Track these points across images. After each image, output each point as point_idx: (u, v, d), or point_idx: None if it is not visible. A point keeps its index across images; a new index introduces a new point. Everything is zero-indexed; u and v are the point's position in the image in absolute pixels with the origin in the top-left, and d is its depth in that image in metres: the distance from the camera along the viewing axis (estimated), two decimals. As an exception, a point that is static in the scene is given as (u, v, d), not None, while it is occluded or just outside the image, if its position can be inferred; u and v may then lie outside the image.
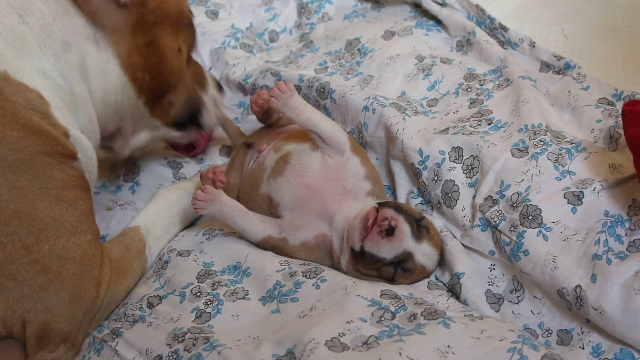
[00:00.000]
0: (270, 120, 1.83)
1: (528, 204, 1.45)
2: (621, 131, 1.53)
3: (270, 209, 1.62)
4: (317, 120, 1.59)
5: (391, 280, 1.45)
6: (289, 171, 1.60)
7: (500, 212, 1.49)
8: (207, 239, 1.62)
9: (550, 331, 1.38)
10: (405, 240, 1.43)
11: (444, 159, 1.62)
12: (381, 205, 1.47)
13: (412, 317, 1.26)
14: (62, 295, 1.38)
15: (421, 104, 1.88)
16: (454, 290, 1.51)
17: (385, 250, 1.42)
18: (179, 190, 1.79)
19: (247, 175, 1.72)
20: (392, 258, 1.43)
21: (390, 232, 1.40)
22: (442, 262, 1.56)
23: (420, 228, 1.47)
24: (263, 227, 1.58)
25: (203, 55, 2.33)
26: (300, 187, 1.57)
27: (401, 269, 1.45)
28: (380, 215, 1.43)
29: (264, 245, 1.59)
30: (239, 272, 1.51)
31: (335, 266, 1.54)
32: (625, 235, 1.35)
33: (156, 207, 1.72)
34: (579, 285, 1.30)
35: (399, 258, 1.43)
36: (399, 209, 1.46)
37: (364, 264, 1.45)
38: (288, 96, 1.57)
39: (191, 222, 1.80)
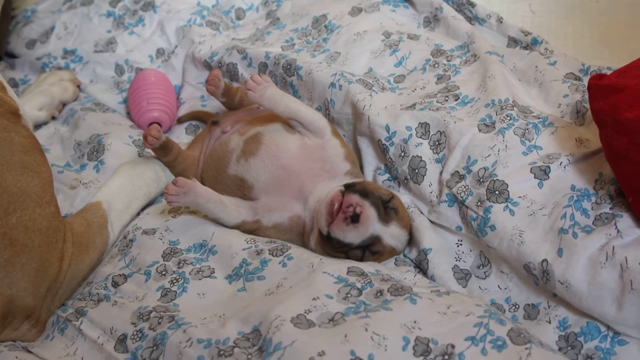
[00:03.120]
0: (233, 103, 1.83)
1: (495, 179, 1.45)
2: (588, 106, 1.53)
3: (243, 191, 1.61)
4: (296, 108, 1.60)
5: (360, 261, 1.45)
6: (263, 152, 1.59)
7: (467, 187, 1.48)
8: (172, 217, 1.61)
9: (517, 306, 1.39)
10: (371, 225, 1.42)
11: (411, 134, 1.61)
12: (347, 188, 1.46)
13: (378, 294, 1.26)
14: (27, 269, 1.37)
15: (388, 80, 1.87)
16: (421, 267, 1.51)
17: (351, 236, 1.42)
18: (141, 164, 1.76)
19: (209, 154, 1.71)
20: (359, 243, 1.43)
21: (355, 218, 1.40)
22: (410, 238, 1.55)
23: (388, 210, 1.47)
24: (238, 213, 1.56)
25: (169, 33, 2.30)
26: (277, 168, 1.56)
27: (369, 252, 1.45)
28: (345, 202, 1.42)
29: (236, 229, 1.57)
30: (205, 250, 1.50)
31: (305, 246, 1.54)
32: (592, 209, 1.36)
33: (118, 181, 1.70)
34: (546, 260, 1.31)
35: (366, 242, 1.43)
36: (364, 192, 1.45)
37: (332, 248, 1.45)
38: (264, 87, 1.57)
39: (155, 198, 1.78)
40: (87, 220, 1.57)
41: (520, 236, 1.36)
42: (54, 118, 2.10)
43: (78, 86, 2.19)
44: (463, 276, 1.47)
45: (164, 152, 1.71)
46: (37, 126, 2.06)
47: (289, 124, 1.63)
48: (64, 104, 2.13)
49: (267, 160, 1.58)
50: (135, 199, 1.69)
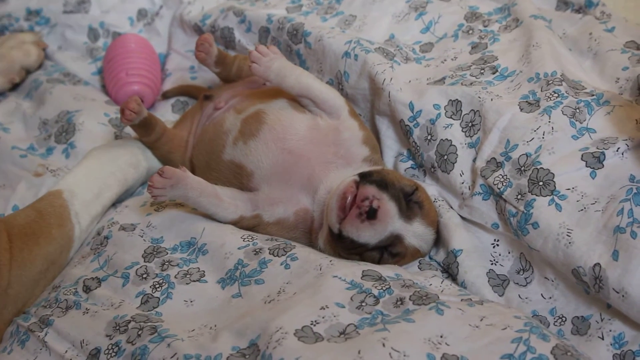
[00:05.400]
0: (229, 73, 1.83)
1: (538, 167, 1.45)
2: (652, 81, 1.53)
3: (241, 179, 1.61)
4: (308, 83, 1.60)
5: (377, 264, 1.44)
6: (265, 133, 1.59)
7: (505, 177, 1.49)
8: (155, 211, 1.62)
9: (563, 318, 1.39)
10: (391, 222, 1.42)
11: (439, 114, 1.62)
12: (362, 178, 1.46)
13: (398, 302, 1.26)
14: None
15: (413, 49, 1.88)
16: (450, 271, 1.51)
17: (367, 235, 1.41)
18: (114, 147, 1.77)
19: (200, 135, 1.72)
20: (377, 243, 1.43)
21: (371, 214, 1.39)
22: (437, 238, 1.56)
23: (410, 204, 1.47)
24: (234, 209, 1.56)
25: (153, -9, 2.32)
26: (282, 152, 1.57)
27: (388, 254, 1.45)
28: (359, 194, 1.42)
29: (232, 225, 1.57)
30: (194, 249, 1.51)
31: (313, 246, 1.54)
32: (654, 204, 1.36)
33: (85, 167, 1.71)
34: (598, 264, 1.30)
35: (384, 243, 1.43)
36: (383, 183, 1.44)
37: (344, 248, 1.45)
38: (271, 59, 1.58)
39: (133, 185, 1.79)
40: (37, 210, 1.58)
41: (569, 235, 1.36)
42: (14, 88, 2.11)
43: (43, 49, 2.20)
44: (500, 282, 1.47)
45: (145, 130, 1.72)
46: (-7, 98, 2.08)
47: (299, 101, 1.63)
48: (27, 72, 2.14)
49: (270, 143, 1.58)
50: (107, 187, 1.70)
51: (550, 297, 1.42)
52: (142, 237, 1.55)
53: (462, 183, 1.57)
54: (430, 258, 1.55)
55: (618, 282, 1.27)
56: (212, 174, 1.64)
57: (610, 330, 1.32)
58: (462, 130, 1.60)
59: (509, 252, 1.49)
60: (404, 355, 1.11)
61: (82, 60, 2.22)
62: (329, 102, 1.61)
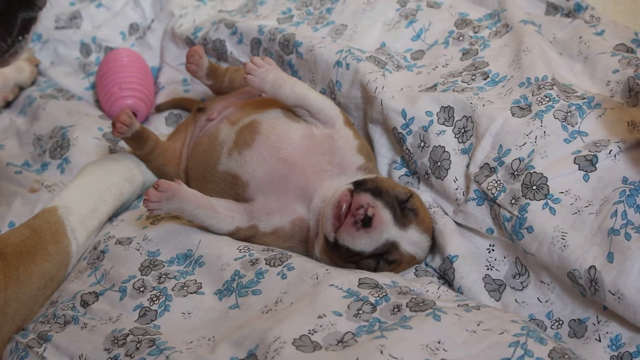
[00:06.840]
0: (221, 85, 1.83)
1: (532, 171, 1.45)
2: (641, 83, 1.54)
3: (236, 190, 1.61)
4: (303, 93, 1.61)
5: (374, 272, 1.44)
6: (260, 143, 1.59)
7: (499, 182, 1.49)
8: (151, 224, 1.61)
9: (560, 322, 1.39)
10: (386, 230, 1.42)
11: (432, 121, 1.62)
12: (357, 187, 1.46)
13: (395, 309, 1.26)
14: None
15: (404, 56, 1.87)
16: (446, 277, 1.51)
17: (363, 243, 1.41)
18: (108, 161, 1.77)
19: (194, 147, 1.72)
20: (372, 251, 1.42)
21: (366, 222, 1.39)
22: (433, 244, 1.56)
23: (405, 211, 1.47)
24: (231, 220, 1.56)
25: (143, 5, 2.31)
26: (277, 161, 1.57)
27: (384, 262, 1.45)
28: (354, 202, 1.42)
29: (229, 236, 1.57)
30: (190, 261, 1.51)
31: (309, 255, 1.54)
32: (648, 205, 1.36)
33: (80, 183, 1.70)
34: (593, 266, 1.31)
35: (380, 250, 1.43)
36: (377, 191, 1.44)
37: (340, 257, 1.45)
38: (266, 70, 1.58)
39: (129, 199, 1.79)
40: (32, 228, 1.57)
41: (563, 239, 1.36)
42: (8, 105, 2.11)
43: (36, 66, 2.20)
44: (496, 287, 1.47)
45: (138, 143, 1.71)
46: (-12, 116, 2.07)
47: (294, 111, 1.64)
48: (20, 88, 2.14)
49: (265, 153, 1.58)
50: (102, 202, 1.70)
51: (547, 301, 1.42)
52: (138, 250, 1.55)
53: (456, 189, 1.57)
54: (426, 264, 1.55)
55: (613, 284, 1.27)
56: (207, 186, 1.64)
57: (607, 332, 1.32)
58: (454, 137, 1.60)
59: (505, 257, 1.49)
60: (402, 362, 1.11)
61: (75, 75, 2.22)
62: (324, 112, 1.61)
